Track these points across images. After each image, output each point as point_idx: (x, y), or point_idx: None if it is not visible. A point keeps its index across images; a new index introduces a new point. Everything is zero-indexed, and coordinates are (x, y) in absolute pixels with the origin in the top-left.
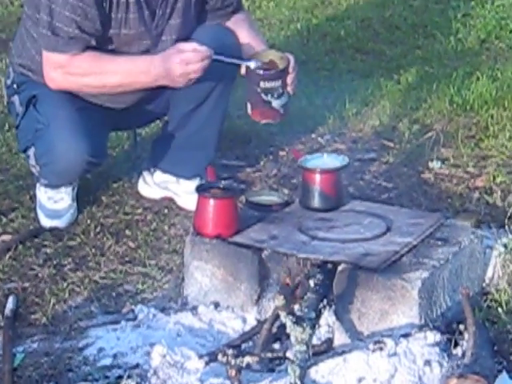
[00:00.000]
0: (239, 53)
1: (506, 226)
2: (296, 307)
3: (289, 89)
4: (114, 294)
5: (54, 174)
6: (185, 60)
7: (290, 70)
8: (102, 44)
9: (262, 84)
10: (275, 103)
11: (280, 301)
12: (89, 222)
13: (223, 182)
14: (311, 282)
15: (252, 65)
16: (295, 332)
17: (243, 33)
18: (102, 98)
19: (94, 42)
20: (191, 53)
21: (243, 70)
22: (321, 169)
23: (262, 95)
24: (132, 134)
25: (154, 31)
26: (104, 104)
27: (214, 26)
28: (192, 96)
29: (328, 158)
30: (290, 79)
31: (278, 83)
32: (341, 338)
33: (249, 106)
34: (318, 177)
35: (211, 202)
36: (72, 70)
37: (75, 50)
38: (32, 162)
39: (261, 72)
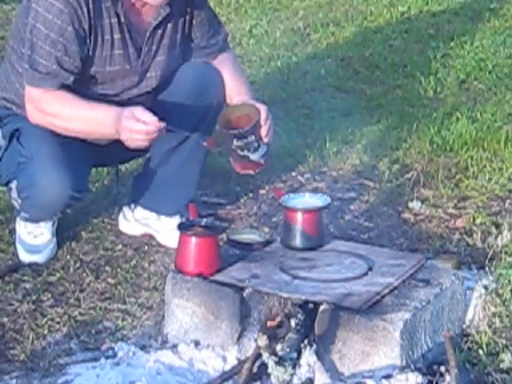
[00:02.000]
0: (222, 92)
1: (487, 268)
2: (278, 347)
3: (265, 140)
4: (93, 330)
5: (35, 208)
6: (128, 128)
7: (262, 122)
8: (86, 81)
9: (235, 142)
10: (253, 157)
11: (263, 341)
12: (68, 257)
13: (205, 219)
14: (292, 322)
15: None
16: (277, 372)
17: (227, 73)
18: None
19: (71, 80)
20: (137, 123)
21: (217, 126)
22: (303, 208)
23: (238, 151)
24: (114, 170)
25: (139, 68)
26: (87, 139)
27: (200, 63)
28: (172, 135)
29: (310, 197)
30: (263, 131)
31: (251, 138)
32: (321, 379)
33: (231, 159)
34: (300, 216)
35: (193, 240)
36: (41, 107)
37: (49, 87)
38: (14, 195)
39: (231, 132)
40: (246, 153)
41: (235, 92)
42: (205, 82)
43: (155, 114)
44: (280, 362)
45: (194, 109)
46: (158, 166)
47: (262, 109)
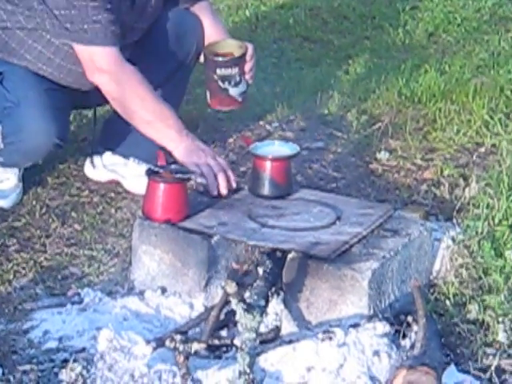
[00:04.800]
0: (201, 37)
1: (454, 219)
2: (246, 294)
3: (247, 77)
4: (59, 276)
5: (18, 154)
6: (214, 156)
7: (248, 58)
8: None
9: (218, 71)
10: (232, 91)
11: (232, 288)
12: (34, 203)
13: (173, 166)
14: (260, 270)
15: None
16: (245, 319)
17: (206, 20)
18: (68, 80)
19: (117, 28)
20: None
21: (202, 58)
22: (272, 156)
23: (219, 82)
24: (92, 115)
25: (132, 21)
26: (70, 85)
27: (179, 10)
28: (151, 78)
29: (279, 145)
30: (247, 67)
31: (234, 70)
32: (288, 327)
33: (208, 94)
34: (269, 164)
35: (161, 186)
36: (120, 77)
37: (107, 43)
38: None
39: (217, 59)
40: (226, 85)
41: (215, 38)
42: (184, 28)
43: (136, 61)
44: (248, 309)
45: (174, 54)
46: None
47: (250, 46)
